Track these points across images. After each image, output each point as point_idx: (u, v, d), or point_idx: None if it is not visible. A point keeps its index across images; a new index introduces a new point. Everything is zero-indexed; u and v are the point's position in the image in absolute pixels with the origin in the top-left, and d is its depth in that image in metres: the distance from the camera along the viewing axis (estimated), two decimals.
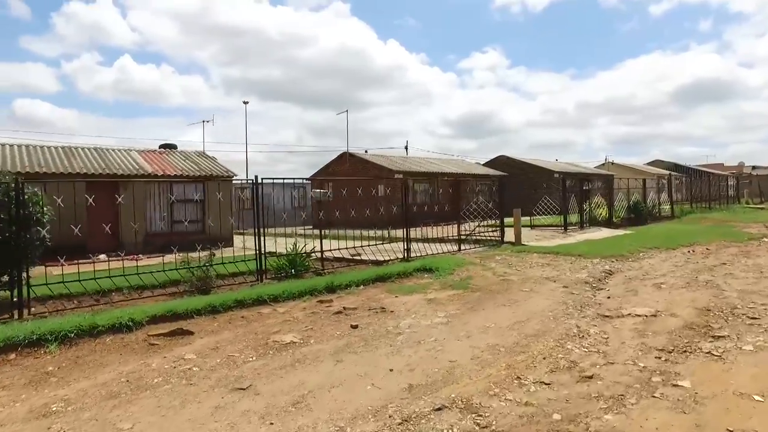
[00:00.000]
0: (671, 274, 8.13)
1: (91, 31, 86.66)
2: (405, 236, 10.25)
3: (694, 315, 5.54)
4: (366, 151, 29.57)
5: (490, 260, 9.83)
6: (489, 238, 12.76)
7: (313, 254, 9.52)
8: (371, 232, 11.67)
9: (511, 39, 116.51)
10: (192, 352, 4.85)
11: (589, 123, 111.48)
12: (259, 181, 8.26)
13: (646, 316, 5.60)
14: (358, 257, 10.38)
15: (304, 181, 24.02)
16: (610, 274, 8.31)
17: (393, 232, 11.44)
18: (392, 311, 6.18)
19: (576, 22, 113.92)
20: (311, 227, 22.76)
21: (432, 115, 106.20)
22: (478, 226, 13.58)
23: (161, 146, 21.09)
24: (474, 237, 13.01)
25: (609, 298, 6.59)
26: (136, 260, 11.97)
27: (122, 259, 8.26)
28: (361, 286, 7.70)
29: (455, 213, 25.16)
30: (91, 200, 8.69)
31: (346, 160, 27.37)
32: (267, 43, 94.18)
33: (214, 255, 8.00)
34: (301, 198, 29.20)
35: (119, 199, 12.34)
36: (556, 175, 26.85)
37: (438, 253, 10.68)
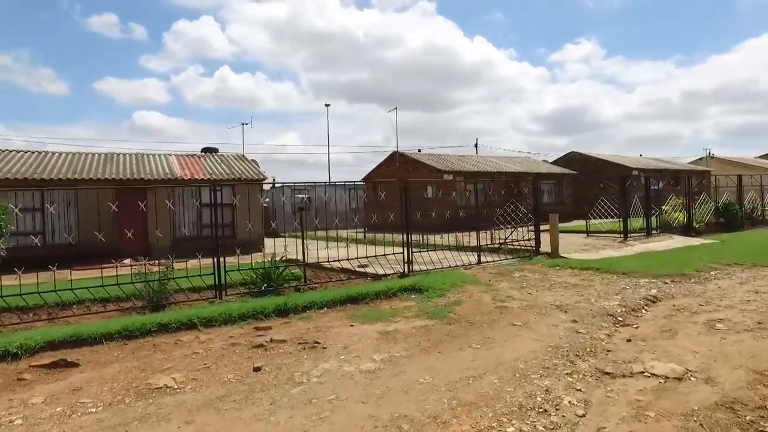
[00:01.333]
0: (742, 306, 5.99)
1: (195, 46, 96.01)
2: (404, 246, 8.90)
3: (746, 383, 3.69)
4: (419, 150, 28.32)
5: (504, 278, 8.17)
6: (524, 247, 10.94)
7: (307, 264, 8.56)
8: (419, 238, 10.32)
9: (607, 27, 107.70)
10: (44, 394, 4.06)
11: (697, 114, 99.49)
12: (217, 187, 7.48)
13: (667, 377, 3.85)
14: (366, 268, 9.21)
15: (359, 183, 23.29)
16: (653, 302, 6.34)
17: (438, 238, 10.01)
18: (325, 348, 4.98)
19: (682, 3, 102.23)
20: (364, 230, 22.06)
21: (521, 111, 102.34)
22: (519, 230, 11.75)
23: (203, 150, 21.57)
24: (508, 246, 11.26)
25: (629, 341, 4.82)
26: (158, 265, 11.90)
27: (142, 264, 7.81)
28: (324, 309, 6.56)
29: (515, 215, 23.03)
30: (142, 205, 8.52)
31: (396, 160, 26.33)
32: (354, 46, 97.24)
33: (171, 268, 7.32)
34: (355, 200, 28.82)
35: (142, 205, 12.29)
36: (635, 173, 23.50)
37: (447, 268, 9.21)
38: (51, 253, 11.85)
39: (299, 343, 5.14)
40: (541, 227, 10.78)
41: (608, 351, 4.58)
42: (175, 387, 4.09)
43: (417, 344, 4.96)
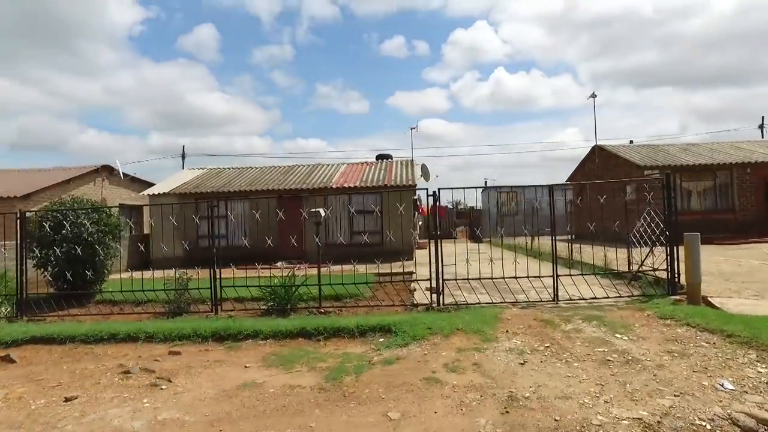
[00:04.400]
0: None
1: (470, 53, 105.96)
2: (433, 268, 7.21)
3: None
4: (631, 142, 22.97)
5: (540, 329, 5.70)
6: (661, 278, 7.44)
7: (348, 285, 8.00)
8: (612, 250, 8.55)
9: None
10: None
11: None
12: (210, 202, 7.63)
13: None
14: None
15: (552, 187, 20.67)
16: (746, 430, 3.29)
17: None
18: (163, 389, 4.48)
19: None
20: (570, 238, 19.25)
21: None
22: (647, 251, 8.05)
23: (377, 157, 22.74)
24: (641, 275, 7.88)
25: None
26: (296, 269, 13.30)
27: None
28: (268, 340, 5.95)
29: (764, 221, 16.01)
30: (281, 214, 10.16)
31: (596, 156, 22.12)
32: (640, 24, 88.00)
33: (189, 279, 7.90)
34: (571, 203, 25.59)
35: (280, 213, 13.92)
36: None
37: (497, 303, 7.06)
38: (231, 253, 14.56)
39: (158, 378, 4.77)
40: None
41: None
42: None
43: (229, 413, 3.90)
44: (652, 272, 7.66)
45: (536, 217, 8.17)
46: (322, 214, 8.19)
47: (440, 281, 7.15)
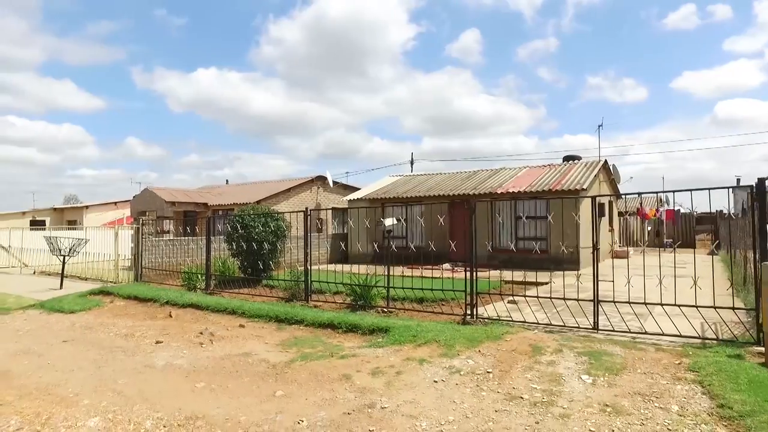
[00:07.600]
0: None
1: None
2: (469, 283, 7.36)
3: None
4: None
5: (521, 357, 5.50)
6: None
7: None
8: None
9: None
10: (132, 321, 8.30)
11: None
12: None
13: None
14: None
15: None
16: None
17: None
18: (203, 344, 6.57)
19: None
20: None
21: None
22: None
23: (564, 158, 21.22)
24: None
25: None
26: (454, 272, 14.68)
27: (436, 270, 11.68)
28: (309, 327, 7.52)
29: None
30: (441, 219, 12.55)
31: None
32: None
33: (305, 272, 10.05)
34: None
35: (441, 219, 15.36)
36: None
37: (518, 322, 6.81)
38: (408, 253, 16.88)
39: (210, 340, 6.94)
40: None
41: None
42: (131, 336, 7.26)
43: (206, 367, 5.64)
44: None
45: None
46: (387, 224, 9.16)
47: (475, 298, 7.31)
